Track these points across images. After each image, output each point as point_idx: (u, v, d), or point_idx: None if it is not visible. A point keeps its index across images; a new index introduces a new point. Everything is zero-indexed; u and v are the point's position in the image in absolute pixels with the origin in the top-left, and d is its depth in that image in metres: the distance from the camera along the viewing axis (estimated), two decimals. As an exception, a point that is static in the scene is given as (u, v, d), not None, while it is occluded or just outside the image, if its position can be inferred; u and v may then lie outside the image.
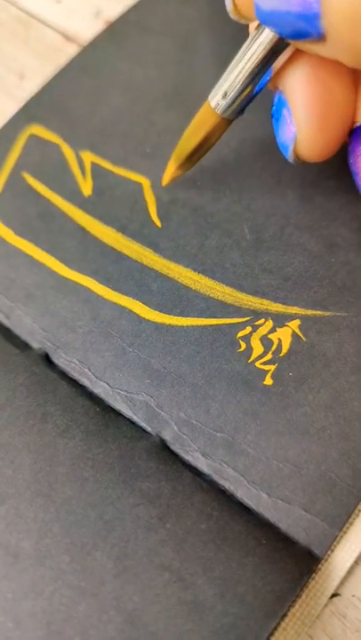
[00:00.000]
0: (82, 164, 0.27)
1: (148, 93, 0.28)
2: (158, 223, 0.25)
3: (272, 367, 0.22)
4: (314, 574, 0.20)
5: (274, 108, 0.21)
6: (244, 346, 0.23)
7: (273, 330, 0.23)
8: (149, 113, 0.28)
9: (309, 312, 0.23)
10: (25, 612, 0.19)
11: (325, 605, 0.20)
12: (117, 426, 0.22)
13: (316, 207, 0.24)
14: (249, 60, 0.20)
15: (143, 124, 0.28)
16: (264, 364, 0.22)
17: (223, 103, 0.22)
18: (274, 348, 0.23)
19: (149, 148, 0.27)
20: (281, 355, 0.22)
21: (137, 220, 0.25)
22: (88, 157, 0.27)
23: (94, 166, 0.27)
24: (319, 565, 0.20)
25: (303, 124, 0.20)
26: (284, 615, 0.20)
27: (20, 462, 0.21)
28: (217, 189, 0.26)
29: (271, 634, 0.19)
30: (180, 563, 0.19)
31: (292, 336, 0.23)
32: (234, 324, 0.23)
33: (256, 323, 0.23)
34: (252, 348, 0.23)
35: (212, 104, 0.22)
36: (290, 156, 0.21)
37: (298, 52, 0.20)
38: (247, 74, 0.20)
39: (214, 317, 0.23)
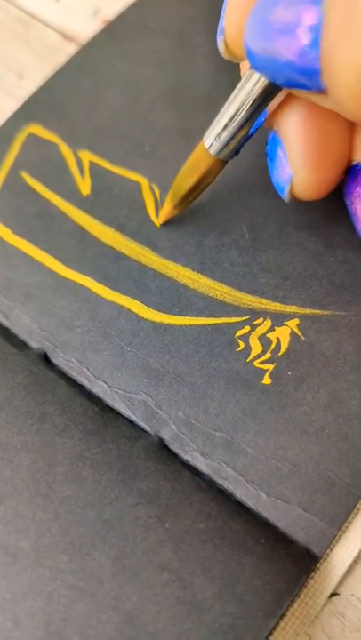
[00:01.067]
0: (80, 163, 0.27)
1: (146, 93, 0.28)
2: (157, 223, 0.25)
3: (271, 366, 0.22)
4: (313, 574, 0.20)
5: (268, 146, 0.21)
6: (242, 345, 0.23)
7: (272, 329, 0.23)
8: (148, 112, 0.28)
9: (308, 311, 0.23)
10: (24, 611, 0.19)
11: (324, 605, 0.20)
12: (116, 425, 0.22)
13: (314, 206, 0.24)
14: (242, 102, 0.20)
15: (142, 124, 0.28)
16: (263, 363, 0.22)
17: (217, 145, 0.21)
18: (272, 347, 0.22)
19: (148, 147, 0.27)
20: (280, 354, 0.22)
21: (135, 219, 0.25)
22: (86, 157, 0.27)
23: (93, 166, 0.27)
24: (318, 565, 0.20)
25: (299, 168, 0.20)
26: (283, 614, 0.20)
27: (19, 462, 0.21)
28: (215, 188, 0.25)
29: (270, 633, 0.19)
30: (179, 562, 0.19)
31: (290, 335, 0.23)
32: (232, 323, 0.23)
33: (255, 322, 0.23)
34: (250, 348, 0.23)
35: (206, 145, 0.22)
36: (286, 197, 0.21)
37: (293, 94, 0.19)
38: (240, 116, 0.20)
39: (213, 316, 0.23)
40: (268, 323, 0.23)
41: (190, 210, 0.25)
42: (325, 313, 0.23)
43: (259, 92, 0.19)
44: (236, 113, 0.20)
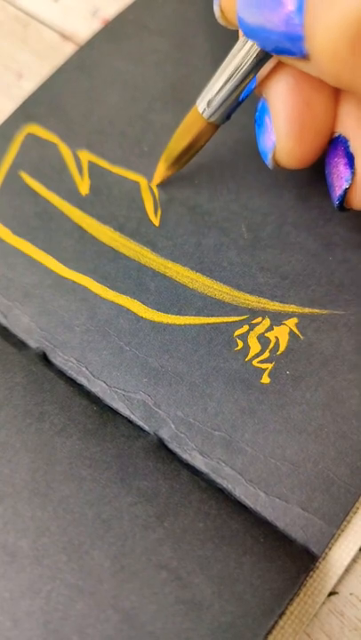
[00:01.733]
0: (79, 163, 0.27)
1: (145, 92, 0.28)
2: (156, 222, 0.25)
3: (269, 365, 0.22)
4: (312, 572, 0.20)
5: (257, 113, 0.22)
6: (241, 344, 0.23)
7: (270, 328, 0.23)
8: (147, 112, 0.28)
9: (307, 310, 0.23)
10: (23, 611, 0.19)
11: (323, 604, 0.20)
12: (115, 425, 0.22)
13: (313, 206, 0.24)
14: (234, 68, 0.20)
15: (140, 123, 0.28)
16: (261, 362, 0.22)
17: (209, 109, 0.22)
18: (271, 346, 0.22)
19: (147, 147, 0.27)
20: (278, 353, 0.22)
21: (134, 218, 0.25)
22: (85, 156, 0.27)
23: (92, 165, 0.27)
24: (317, 564, 0.20)
25: (282, 134, 0.20)
26: (282, 613, 0.20)
27: (18, 461, 0.21)
28: (214, 188, 0.26)
29: (269, 632, 0.19)
30: (178, 561, 0.19)
31: (289, 334, 0.23)
32: (231, 322, 0.23)
33: (253, 321, 0.23)
34: (249, 347, 0.23)
35: (200, 109, 0.22)
36: (269, 163, 0.22)
37: (282, 62, 0.20)
38: (232, 81, 0.21)
39: (212, 316, 0.23)
40: (267, 322, 0.23)
41: (189, 209, 0.25)
42: (324, 312, 0.23)
43: (250, 60, 0.20)
44: (228, 79, 0.21)
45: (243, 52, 0.20)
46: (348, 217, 0.24)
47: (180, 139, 0.24)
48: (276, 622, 0.19)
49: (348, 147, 0.21)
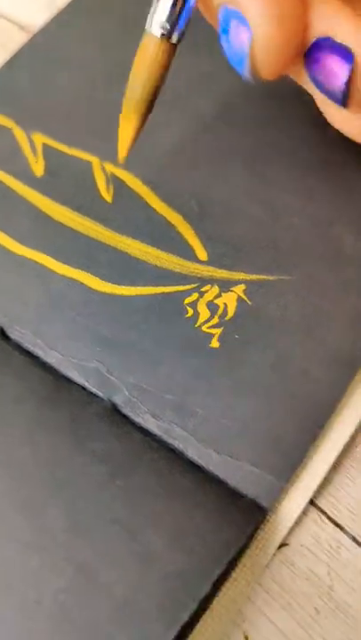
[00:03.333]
0: (33, 145, 0.28)
1: (95, 74, 0.29)
2: (108, 199, 0.26)
3: (218, 330, 0.23)
4: (263, 526, 0.21)
5: (220, 28, 0.21)
6: (191, 311, 0.23)
7: (219, 295, 0.23)
8: (97, 93, 0.28)
9: (254, 277, 0.24)
10: (-22, 569, 0.19)
11: (274, 555, 0.21)
12: (69, 392, 0.22)
13: (258, 175, 0.25)
14: None
15: (92, 104, 0.28)
16: (211, 327, 0.23)
17: (159, 27, 0.21)
18: (220, 312, 0.23)
19: (99, 127, 0.28)
20: (227, 318, 0.23)
21: (88, 196, 0.26)
22: (39, 139, 0.28)
23: (45, 147, 0.28)
24: (268, 517, 0.21)
25: (259, 20, 0.19)
26: (235, 566, 0.20)
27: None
28: (163, 164, 0.26)
29: (222, 584, 0.20)
30: (130, 516, 0.20)
31: (237, 300, 0.23)
32: (181, 291, 0.24)
33: (203, 289, 0.24)
34: (198, 313, 0.23)
35: (155, 32, 0.21)
36: (246, 67, 0.20)
37: None
38: None
39: (162, 286, 0.24)
40: (216, 289, 0.24)
41: (140, 186, 0.26)
42: (271, 278, 0.24)
43: None
44: None
45: None
46: (291, 183, 0.25)
47: (142, 75, 0.22)
48: (228, 574, 0.20)
49: (334, 42, 0.20)
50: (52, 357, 0.23)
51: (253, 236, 0.24)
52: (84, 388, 0.23)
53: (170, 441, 0.21)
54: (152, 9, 0.21)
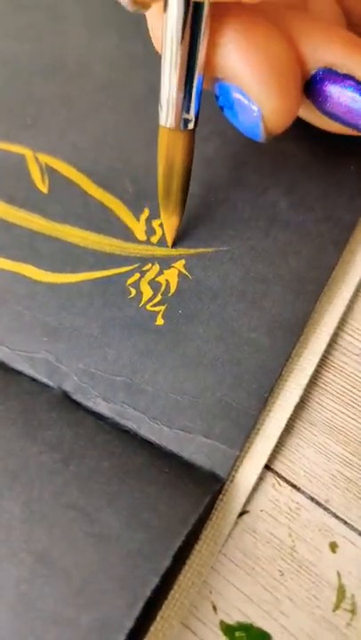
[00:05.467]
0: (-34, 143, 0.28)
1: (25, 67, 0.29)
2: (44, 189, 0.26)
3: (162, 308, 0.23)
4: (221, 496, 0.21)
5: (219, 98, 0.20)
6: (134, 292, 0.23)
7: (160, 273, 0.24)
8: (29, 86, 0.28)
9: (192, 251, 0.24)
10: None
11: (236, 524, 0.21)
12: (19, 384, 0.22)
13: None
14: (173, 59, 0.19)
15: (23, 98, 0.28)
16: (154, 305, 0.23)
17: (174, 118, 0.21)
18: (162, 289, 0.23)
19: (30, 119, 0.28)
20: (170, 295, 0.23)
21: (23, 189, 0.26)
22: (-28, 136, 0.28)
23: (-21, 144, 0.28)
24: (225, 487, 0.21)
25: (265, 98, 0.19)
26: (197, 538, 0.20)
27: None
28: (97, 150, 0.26)
29: (186, 557, 0.20)
30: (86, 500, 0.20)
31: (178, 276, 0.23)
32: (123, 272, 0.24)
33: (144, 268, 0.24)
34: (141, 293, 0.23)
35: (170, 125, 0.21)
36: (262, 135, 0.20)
37: (217, 33, 0.19)
38: (183, 79, 0.19)
39: (104, 269, 0.24)
40: (157, 267, 0.24)
41: (74, 173, 0.26)
42: (210, 250, 0.24)
43: (182, 29, 0.18)
44: (171, 74, 0.19)
45: (175, 47, 0.19)
46: (224, 159, 0.25)
47: (169, 170, 0.22)
48: (192, 547, 0.20)
49: (338, 72, 0.20)
50: (0, 352, 0.23)
51: (190, 211, 0.24)
52: (33, 379, 0.23)
53: (122, 422, 0.22)
54: (165, 104, 0.20)
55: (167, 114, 0.20)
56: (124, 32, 0.30)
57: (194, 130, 0.21)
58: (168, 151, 0.21)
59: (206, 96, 0.21)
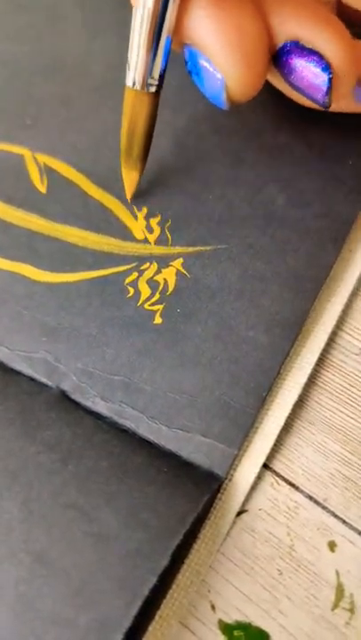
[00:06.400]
0: (-34, 144, 0.28)
1: (25, 68, 0.29)
2: (43, 190, 0.26)
3: (160, 307, 0.23)
4: (220, 495, 0.21)
5: (188, 63, 0.21)
6: (132, 291, 0.23)
7: (158, 271, 0.23)
8: (28, 86, 0.28)
9: (190, 249, 0.24)
10: None
11: (234, 523, 0.21)
12: (17, 384, 0.22)
13: (188, 148, 0.25)
14: (146, 29, 0.19)
15: (23, 98, 0.28)
16: (153, 304, 0.23)
17: (143, 81, 0.21)
18: (160, 288, 0.23)
19: (29, 120, 0.28)
20: (168, 294, 0.23)
21: (22, 189, 0.26)
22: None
23: (-22, 144, 0.28)
24: (224, 485, 0.21)
25: (228, 66, 0.19)
26: (196, 537, 0.20)
27: None
28: (95, 150, 0.26)
29: (185, 556, 0.20)
30: (84, 499, 0.20)
31: (176, 275, 0.23)
32: (121, 272, 0.24)
33: (142, 267, 0.24)
34: (140, 292, 0.23)
35: (135, 86, 0.21)
36: (224, 103, 0.20)
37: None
38: (149, 42, 0.20)
39: (103, 269, 0.24)
40: (155, 266, 0.24)
41: (73, 174, 0.26)
42: (208, 248, 0.24)
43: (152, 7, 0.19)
44: (146, 41, 0.20)
45: (145, 12, 0.19)
46: (222, 155, 0.25)
47: (132, 128, 0.23)
48: (190, 546, 0.20)
49: (304, 46, 0.20)
50: (-1, 352, 0.23)
51: (187, 209, 0.24)
52: (32, 379, 0.23)
53: (121, 421, 0.22)
54: (130, 64, 0.21)
55: (134, 75, 0.21)
56: (124, 32, 0.29)
57: (158, 92, 0.21)
58: (133, 111, 0.22)
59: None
